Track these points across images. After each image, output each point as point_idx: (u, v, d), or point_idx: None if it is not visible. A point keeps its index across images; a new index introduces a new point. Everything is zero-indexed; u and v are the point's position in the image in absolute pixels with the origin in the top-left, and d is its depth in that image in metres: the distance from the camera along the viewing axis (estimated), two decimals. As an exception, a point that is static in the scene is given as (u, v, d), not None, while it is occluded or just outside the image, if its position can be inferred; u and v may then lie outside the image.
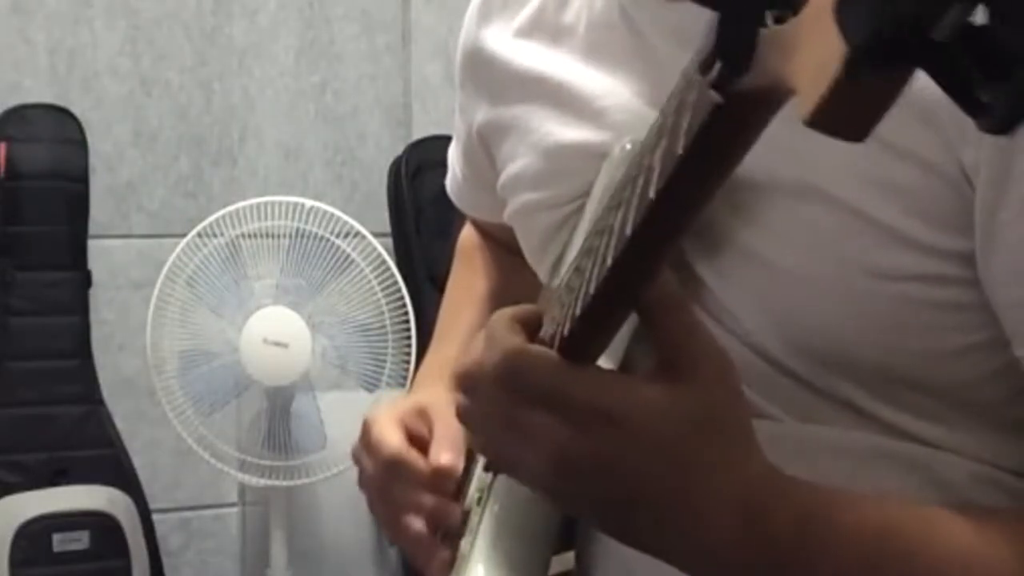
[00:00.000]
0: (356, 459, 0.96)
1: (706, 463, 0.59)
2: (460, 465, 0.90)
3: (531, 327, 0.64)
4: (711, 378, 0.59)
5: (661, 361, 0.60)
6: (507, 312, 0.65)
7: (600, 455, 0.59)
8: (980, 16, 0.28)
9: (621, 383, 0.60)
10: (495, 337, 0.63)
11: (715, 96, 0.42)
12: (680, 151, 0.46)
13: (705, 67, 0.42)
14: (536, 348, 0.61)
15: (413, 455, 0.91)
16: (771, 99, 0.41)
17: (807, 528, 0.61)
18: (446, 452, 0.90)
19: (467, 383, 0.67)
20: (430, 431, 0.94)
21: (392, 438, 0.92)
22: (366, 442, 0.94)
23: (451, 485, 0.90)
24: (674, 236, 0.54)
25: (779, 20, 0.37)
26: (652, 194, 0.50)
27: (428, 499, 0.89)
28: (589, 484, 0.60)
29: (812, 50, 0.33)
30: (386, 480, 0.92)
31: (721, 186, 0.49)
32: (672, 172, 0.48)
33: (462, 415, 0.69)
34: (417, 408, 0.96)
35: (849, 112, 0.32)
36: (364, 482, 0.96)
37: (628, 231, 0.53)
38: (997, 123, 0.28)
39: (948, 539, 0.64)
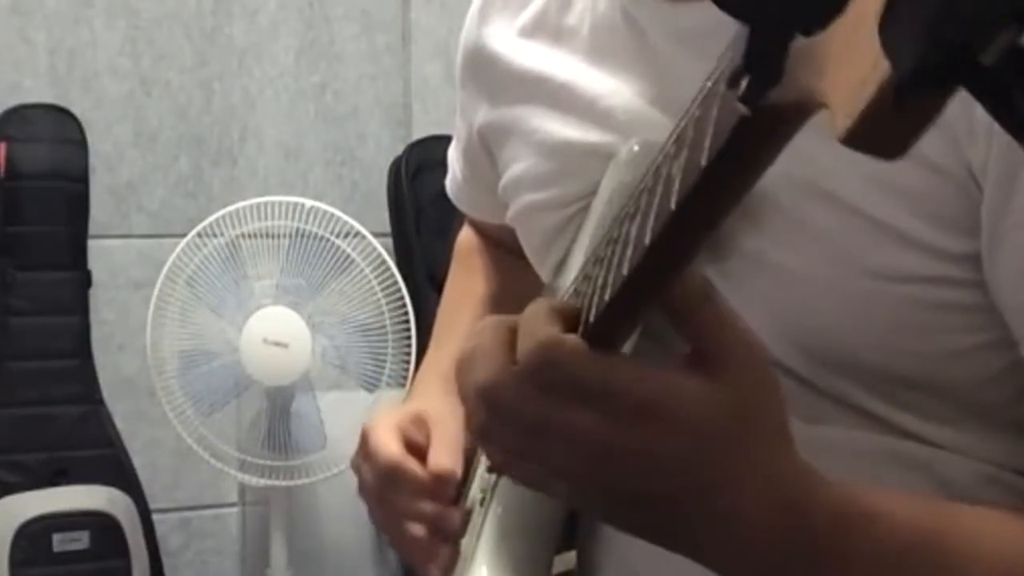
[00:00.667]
0: (355, 469, 0.96)
1: (744, 456, 0.58)
2: (459, 470, 0.91)
3: (569, 318, 0.61)
4: (747, 369, 0.58)
5: (694, 352, 0.58)
6: (543, 305, 0.62)
7: (641, 448, 0.57)
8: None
9: (660, 376, 0.58)
10: (530, 328, 0.60)
11: (743, 109, 0.42)
12: (704, 162, 0.46)
13: (733, 80, 0.42)
14: (572, 338, 0.58)
15: (411, 463, 0.91)
16: (799, 113, 0.41)
17: (844, 525, 0.61)
18: (445, 457, 0.90)
19: (491, 396, 0.62)
20: (428, 438, 0.94)
21: (390, 447, 0.92)
22: (364, 452, 0.94)
23: (450, 491, 0.90)
24: (693, 247, 0.54)
25: (808, 33, 0.37)
26: (673, 205, 0.50)
27: (427, 506, 0.89)
28: (627, 479, 0.59)
29: (847, 66, 0.33)
30: (385, 489, 0.92)
31: (744, 198, 0.49)
32: (695, 183, 0.48)
33: (482, 433, 0.65)
34: (414, 416, 0.96)
35: (887, 132, 0.32)
36: (364, 491, 0.96)
37: (647, 240, 0.53)
38: None
39: (983, 537, 0.64)
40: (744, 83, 0.41)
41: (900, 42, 0.29)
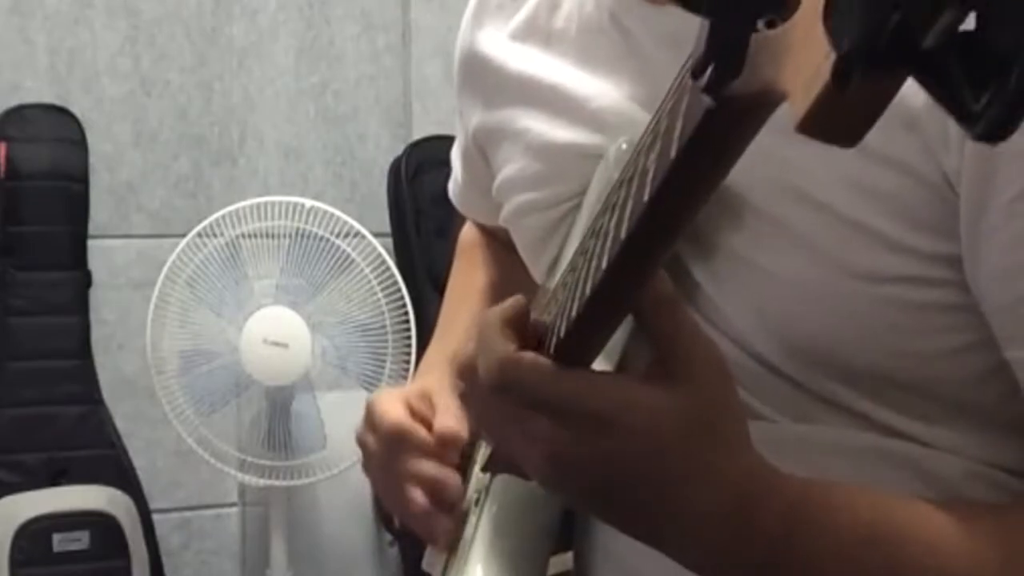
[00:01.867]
0: (360, 442, 0.97)
1: (699, 459, 0.60)
2: (464, 433, 0.91)
3: (521, 326, 0.65)
4: (704, 376, 0.60)
5: (655, 360, 0.61)
6: (496, 315, 0.65)
7: (595, 456, 0.60)
8: (969, 23, 0.28)
9: (613, 385, 0.61)
10: (487, 343, 0.64)
11: (707, 100, 0.42)
12: (673, 154, 0.46)
13: (698, 71, 0.42)
14: (527, 356, 0.62)
15: (416, 425, 0.92)
16: (763, 104, 0.41)
17: (796, 519, 0.62)
18: (450, 422, 0.91)
19: (465, 377, 0.68)
20: (432, 409, 0.94)
21: (395, 411, 0.93)
22: (370, 421, 0.95)
23: (454, 453, 0.91)
24: (668, 239, 0.54)
25: (771, 25, 0.37)
26: (646, 197, 0.50)
27: (430, 467, 0.90)
28: (585, 482, 0.62)
29: (804, 56, 0.33)
30: (389, 452, 0.93)
31: (715, 189, 0.49)
32: (666, 175, 0.48)
33: (465, 402, 0.71)
34: (420, 390, 0.96)
35: (840, 118, 0.32)
36: (368, 462, 0.96)
37: (623, 233, 0.53)
38: (987, 130, 0.28)
39: (936, 535, 0.64)
40: (708, 73, 0.41)
41: (842, 25, 0.29)
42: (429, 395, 0.96)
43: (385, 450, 0.93)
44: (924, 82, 0.29)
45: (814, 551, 0.63)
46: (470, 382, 0.67)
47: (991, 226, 0.64)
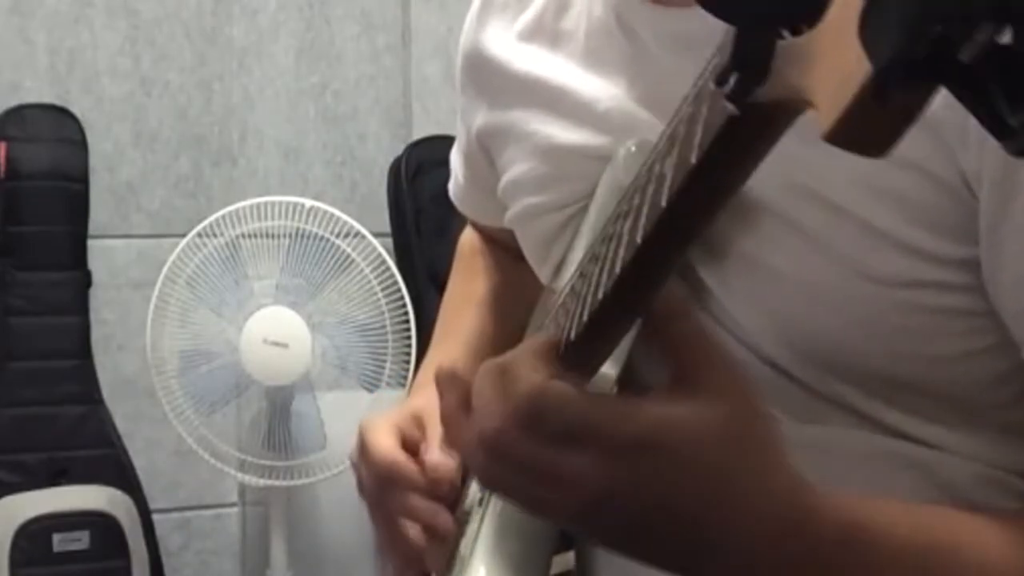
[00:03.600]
0: (354, 468, 0.96)
1: (741, 476, 0.59)
2: (455, 468, 0.90)
3: (552, 358, 0.63)
4: (727, 384, 0.59)
5: (674, 376, 0.59)
6: (528, 347, 0.63)
7: (635, 482, 0.58)
8: (1007, 37, 0.28)
9: (647, 408, 0.59)
10: (516, 375, 0.61)
11: (731, 108, 0.42)
12: (694, 161, 0.46)
13: (721, 79, 0.42)
14: (558, 384, 0.60)
15: (407, 462, 0.90)
16: (787, 111, 0.41)
17: (843, 543, 0.61)
18: (442, 456, 0.90)
19: (493, 445, 0.62)
20: (425, 436, 0.93)
21: (386, 445, 0.91)
22: (361, 451, 0.94)
23: (447, 490, 0.90)
24: (684, 244, 0.54)
25: (795, 32, 0.37)
26: (664, 202, 0.50)
27: (422, 503, 0.89)
28: (623, 514, 0.59)
29: (832, 65, 0.33)
30: (381, 487, 0.92)
31: (734, 195, 0.49)
32: (685, 181, 0.48)
33: (488, 481, 0.66)
34: (412, 414, 0.95)
35: (870, 129, 0.32)
36: (362, 491, 0.95)
37: (638, 238, 0.53)
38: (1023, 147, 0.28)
39: (980, 547, 0.64)
40: (732, 81, 0.41)
41: (879, 37, 0.29)
42: (421, 418, 0.95)
43: (376, 486, 0.92)
44: (961, 96, 0.29)
45: (863, 571, 0.61)
46: (498, 454, 0.63)
47: (1012, 229, 0.64)
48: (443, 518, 0.87)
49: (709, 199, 0.49)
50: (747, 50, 0.39)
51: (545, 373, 0.61)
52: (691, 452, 0.57)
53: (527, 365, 0.62)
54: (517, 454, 0.61)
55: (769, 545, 0.59)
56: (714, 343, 0.60)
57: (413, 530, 0.89)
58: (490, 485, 0.66)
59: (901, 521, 0.63)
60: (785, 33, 0.37)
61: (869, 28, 0.30)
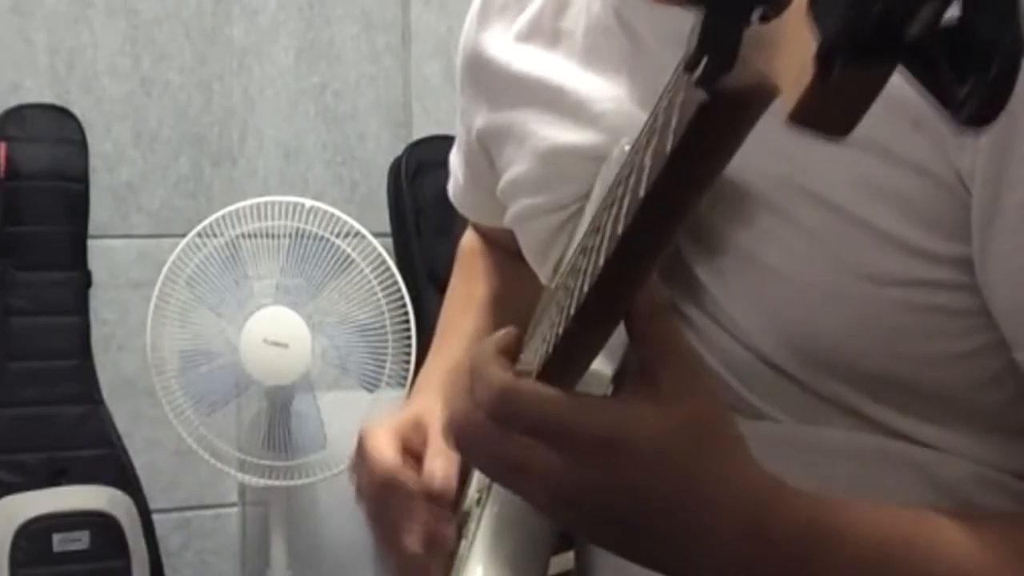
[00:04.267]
0: (353, 473, 0.96)
1: (704, 475, 0.59)
2: (454, 477, 0.90)
3: (514, 352, 0.64)
4: (691, 389, 0.60)
5: (642, 376, 0.60)
6: (489, 345, 0.65)
7: (600, 481, 0.59)
8: (952, 12, 0.28)
9: (613, 408, 0.60)
10: (483, 374, 0.62)
11: (701, 94, 0.42)
12: (668, 149, 0.46)
13: (691, 65, 0.42)
14: (526, 383, 0.61)
15: (406, 471, 0.90)
16: (757, 98, 0.41)
17: (810, 538, 0.61)
18: (440, 465, 0.90)
19: (461, 439, 0.65)
20: (425, 443, 0.93)
21: (386, 452, 0.92)
22: (361, 457, 0.94)
23: (445, 500, 0.89)
24: (665, 235, 0.54)
25: (764, 19, 0.37)
26: (642, 192, 0.50)
27: (422, 514, 0.89)
28: (592, 509, 0.60)
29: (795, 49, 0.33)
30: (380, 496, 0.92)
31: (711, 184, 0.49)
32: (661, 170, 0.48)
33: (467, 460, 0.70)
34: (412, 420, 0.95)
35: (829, 108, 0.32)
36: (359, 497, 0.95)
37: (620, 229, 0.53)
38: (971, 117, 0.29)
39: (952, 549, 0.64)
40: (701, 67, 0.41)
41: (825, 12, 0.29)
42: (422, 424, 0.95)
43: (377, 495, 0.92)
44: (910, 71, 0.29)
45: (826, 567, 0.62)
46: (464, 427, 0.65)
47: (1004, 226, 0.64)
48: (444, 525, 0.87)
49: (686, 187, 0.49)
50: (714, 35, 0.39)
51: (511, 369, 0.62)
52: (653, 450, 0.58)
53: (495, 361, 0.63)
54: (481, 446, 0.63)
55: (733, 542, 0.60)
56: (681, 342, 0.61)
57: (412, 536, 0.89)
58: (471, 463, 0.70)
59: (868, 519, 0.64)
60: (753, 20, 0.37)
61: (816, 6, 0.30)
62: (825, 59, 0.29)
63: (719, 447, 0.60)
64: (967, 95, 0.28)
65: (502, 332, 0.66)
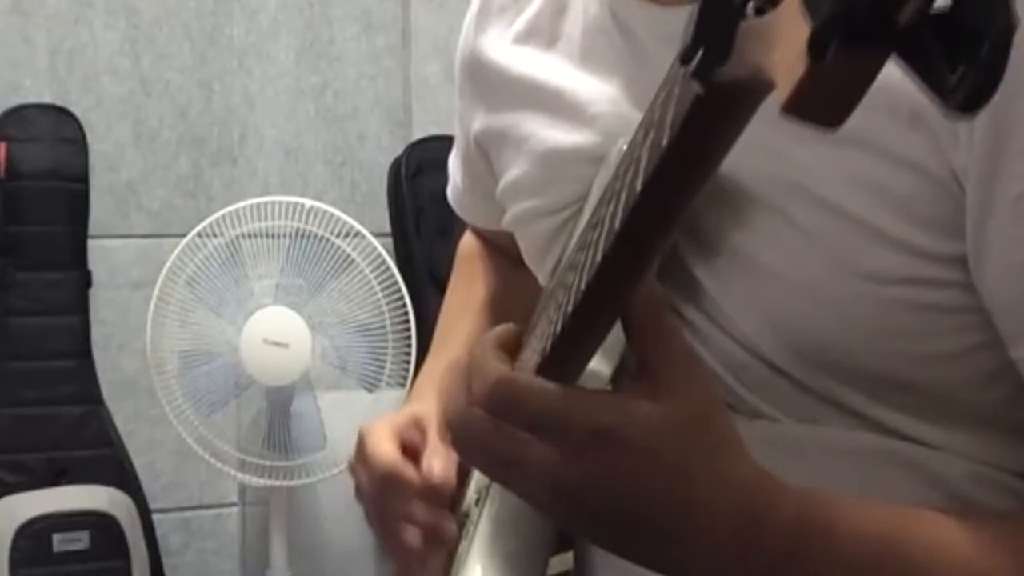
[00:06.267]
0: (352, 472, 0.96)
1: (699, 471, 0.59)
2: (453, 475, 0.90)
3: (513, 348, 0.64)
4: (688, 385, 0.59)
5: (640, 371, 0.60)
6: (489, 339, 0.65)
7: (596, 475, 0.59)
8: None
9: (610, 401, 0.60)
10: (480, 367, 0.62)
11: (696, 86, 0.42)
12: (665, 142, 0.46)
13: (686, 57, 0.42)
14: (523, 376, 0.61)
15: (407, 468, 0.91)
16: (752, 91, 0.41)
17: (802, 535, 0.61)
18: (439, 462, 0.90)
19: (457, 433, 0.65)
20: (424, 441, 0.94)
21: (386, 451, 0.92)
22: (360, 455, 0.94)
23: (445, 496, 0.90)
24: (662, 230, 0.54)
25: (759, 12, 0.37)
26: (640, 187, 0.50)
27: (422, 510, 0.89)
28: (586, 504, 0.60)
29: (790, 41, 0.33)
30: (380, 493, 0.92)
31: (708, 179, 0.49)
32: (658, 164, 0.48)
33: (463, 456, 0.68)
34: (412, 419, 0.95)
35: (822, 98, 0.32)
36: (360, 495, 0.95)
37: (617, 224, 0.53)
38: (963, 103, 0.29)
39: (947, 547, 0.64)
40: (696, 59, 0.41)
41: (818, 2, 0.29)
42: (421, 423, 0.95)
43: (377, 491, 0.92)
44: (900, 57, 0.29)
45: (819, 563, 0.62)
46: (460, 421, 0.65)
47: (997, 223, 0.64)
48: (445, 523, 0.87)
49: (682, 181, 0.49)
50: (709, 26, 0.39)
51: (509, 363, 0.62)
52: (649, 446, 0.58)
53: (492, 354, 0.63)
54: (477, 440, 0.63)
55: (728, 538, 0.60)
56: (679, 338, 0.61)
57: (412, 534, 0.89)
58: (466, 461, 0.68)
59: (862, 516, 0.64)
60: (748, 13, 0.37)
61: None
62: (818, 44, 0.30)
63: (714, 443, 0.60)
64: (959, 80, 0.28)
65: (501, 328, 0.66)
